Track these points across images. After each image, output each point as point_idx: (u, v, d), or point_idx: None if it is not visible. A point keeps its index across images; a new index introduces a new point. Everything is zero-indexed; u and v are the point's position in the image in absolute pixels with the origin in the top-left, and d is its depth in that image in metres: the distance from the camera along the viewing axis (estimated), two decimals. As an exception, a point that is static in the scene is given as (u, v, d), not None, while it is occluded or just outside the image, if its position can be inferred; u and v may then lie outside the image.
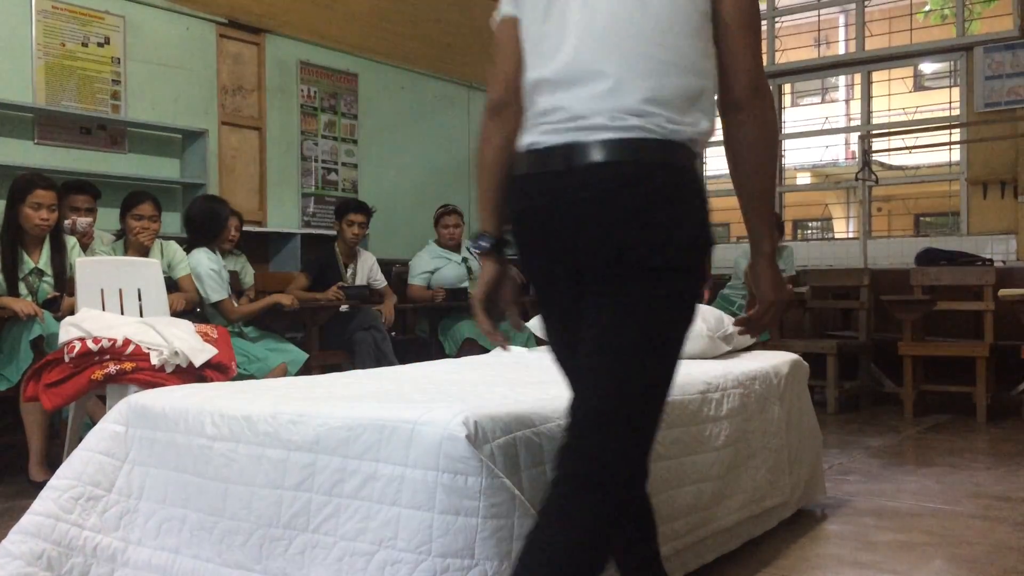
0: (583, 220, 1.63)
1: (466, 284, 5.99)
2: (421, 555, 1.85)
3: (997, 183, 7.29)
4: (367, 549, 1.92)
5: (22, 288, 4.00)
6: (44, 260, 4.07)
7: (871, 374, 6.46)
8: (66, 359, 3.41)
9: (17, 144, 5.01)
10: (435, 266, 6.02)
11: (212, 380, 3.35)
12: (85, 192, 4.52)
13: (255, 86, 6.15)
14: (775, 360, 3.28)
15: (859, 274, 6.49)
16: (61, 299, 4.01)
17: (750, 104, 1.67)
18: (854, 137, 10.32)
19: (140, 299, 4.01)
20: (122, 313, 3.88)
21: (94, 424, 2.53)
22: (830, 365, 5.92)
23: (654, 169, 1.62)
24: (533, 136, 1.72)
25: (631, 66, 1.63)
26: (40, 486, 2.52)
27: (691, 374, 2.71)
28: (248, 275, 5.24)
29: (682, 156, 1.64)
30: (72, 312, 3.76)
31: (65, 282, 4.07)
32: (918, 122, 9.77)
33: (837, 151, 15.81)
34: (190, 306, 4.45)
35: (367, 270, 5.75)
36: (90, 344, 3.41)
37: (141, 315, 3.92)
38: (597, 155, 1.62)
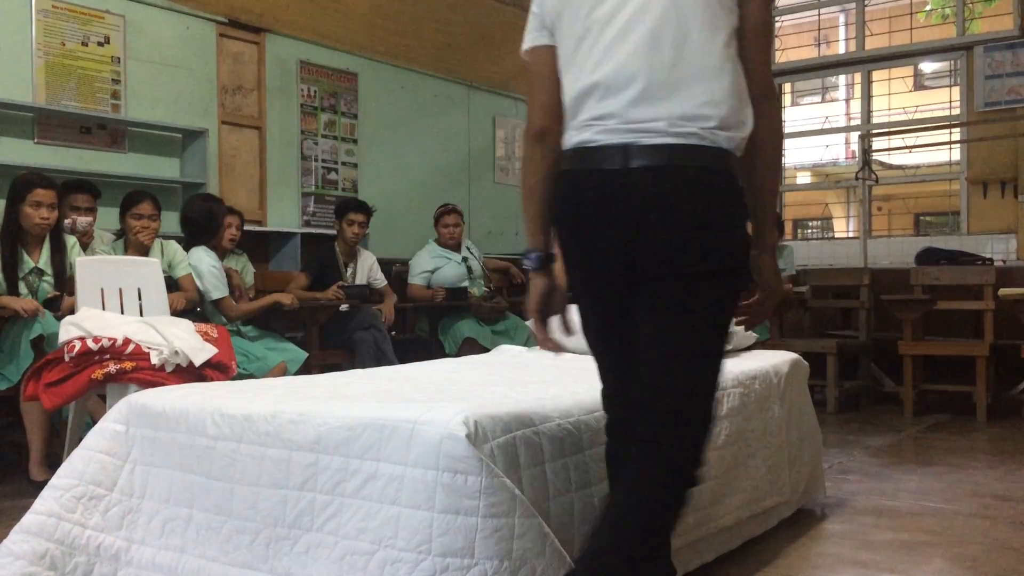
0: (640, 220, 1.75)
1: (466, 283, 5.99)
2: (421, 554, 1.85)
3: (997, 182, 7.29)
4: (368, 548, 1.92)
5: (22, 287, 3.99)
6: (44, 259, 4.07)
7: (871, 373, 6.46)
8: (66, 358, 3.41)
9: (17, 143, 5.01)
10: (435, 265, 6.01)
11: (212, 379, 3.35)
12: (85, 191, 4.51)
13: (255, 85, 6.15)
14: (775, 359, 3.28)
15: (859, 273, 6.49)
16: (61, 298, 4.01)
17: (762, 106, 1.83)
18: (854, 136, 10.33)
19: (140, 298, 4.01)
20: (122, 312, 3.88)
21: (95, 423, 2.53)
22: (830, 365, 5.92)
23: (710, 175, 1.75)
24: (584, 135, 1.82)
25: (682, 73, 1.75)
26: (40, 485, 2.52)
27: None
28: (248, 274, 5.24)
29: (731, 163, 1.78)
30: (72, 311, 3.76)
31: (65, 281, 4.07)
32: (918, 121, 9.78)
33: (837, 150, 15.82)
34: (190, 305, 4.45)
35: (367, 269, 5.75)
36: (90, 343, 3.41)
37: (141, 314, 3.92)
38: (656, 158, 1.74)
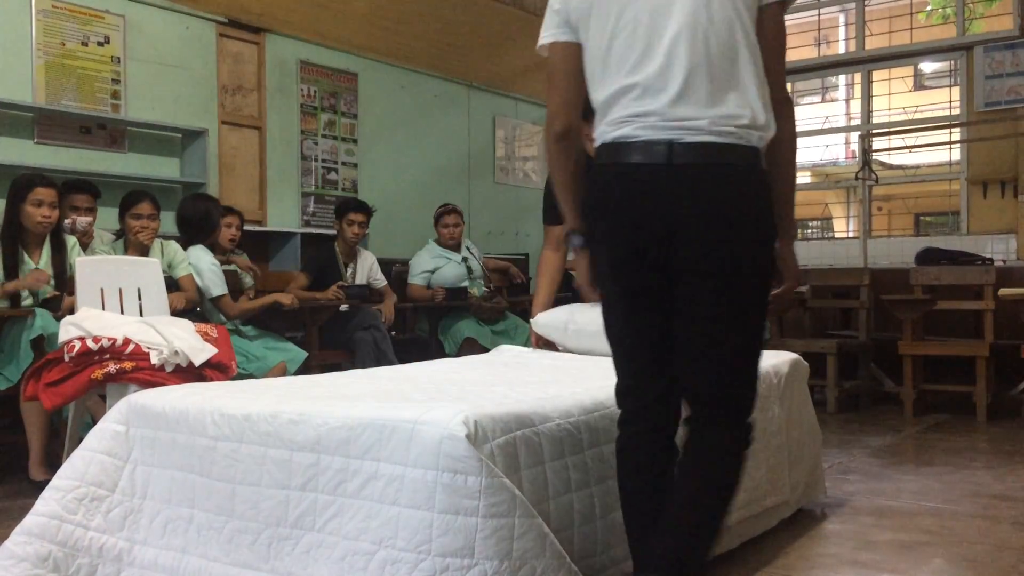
0: (683, 215, 1.83)
1: (466, 284, 5.99)
2: (421, 554, 1.85)
3: (997, 182, 7.29)
4: (368, 548, 1.92)
5: (22, 287, 4.00)
6: (44, 260, 4.07)
7: (871, 374, 6.45)
8: (66, 358, 3.41)
9: (17, 143, 5.01)
10: (435, 265, 6.01)
11: (212, 379, 3.35)
12: (85, 191, 4.51)
13: (255, 85, 6.15)
14: (775, 360, 3.28)
15: (859, 273, 6.49)
16: (61, 298, 4.01)
17: (782, 108, 1.95)
18: (854, 136, 10.33)
19: (140, 298, 4.01)
20: (122, 312, 3.88)
21: (95, 423, 2.53)
22: (830, 365, 5.92)
23: (747, 172, 1.86)
24: (623, 130, 1.88)
25: (718, 74, 1.85)
26: (40, 485, 2.52)
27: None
28: (248, 274, 5.24)
29: (762, 161, 1.90)
30: (72, 311, 3.76)
31: (65, 281, 4.07)
32: (918, 121, 9.77)
33: (837, 150, 15.80)
34: (190, 305, 4.45)
35: (367, 269, 5.75)
36: (90, 343, 3.40)
37: (141, 314, 3.92)
38: (699, 156, 1.83)
